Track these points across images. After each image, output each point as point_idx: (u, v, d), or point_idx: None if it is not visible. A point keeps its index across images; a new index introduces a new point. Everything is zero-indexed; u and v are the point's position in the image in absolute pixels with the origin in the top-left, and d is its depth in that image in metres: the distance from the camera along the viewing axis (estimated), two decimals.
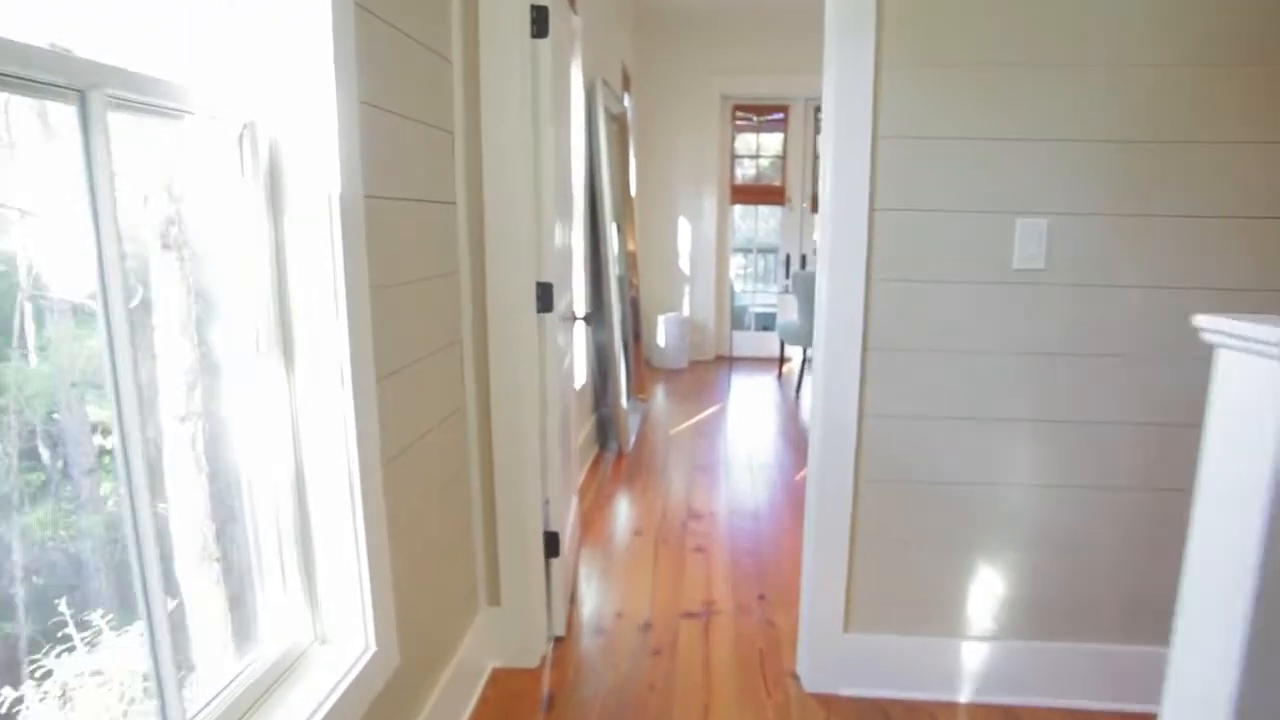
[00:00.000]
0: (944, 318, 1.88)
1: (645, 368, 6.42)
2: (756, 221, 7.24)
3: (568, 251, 2.67)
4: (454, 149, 1.87)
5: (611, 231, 4.52)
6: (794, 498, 3.58)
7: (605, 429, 4.45)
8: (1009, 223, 1.83)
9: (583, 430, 3.93)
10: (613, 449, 4.30)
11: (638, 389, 5.30)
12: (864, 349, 1.90)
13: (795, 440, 4.55)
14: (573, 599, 2.63)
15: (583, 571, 2.83)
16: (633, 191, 6.02)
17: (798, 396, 5.66)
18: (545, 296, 2.10)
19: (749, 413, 5.19)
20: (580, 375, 3.92)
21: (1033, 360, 1.88)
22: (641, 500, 3.55)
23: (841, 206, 1.85)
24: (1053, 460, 1.92)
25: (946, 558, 1.99)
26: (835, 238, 1.86)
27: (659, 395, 5.68)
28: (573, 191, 3.06)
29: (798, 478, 3.87)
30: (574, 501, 2.85)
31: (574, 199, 3.60)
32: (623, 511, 3.42)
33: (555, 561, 2.28)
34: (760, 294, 7.31)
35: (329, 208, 1.26)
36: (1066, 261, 1.83)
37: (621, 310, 5.02)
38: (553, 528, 2.26)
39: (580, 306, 3.89)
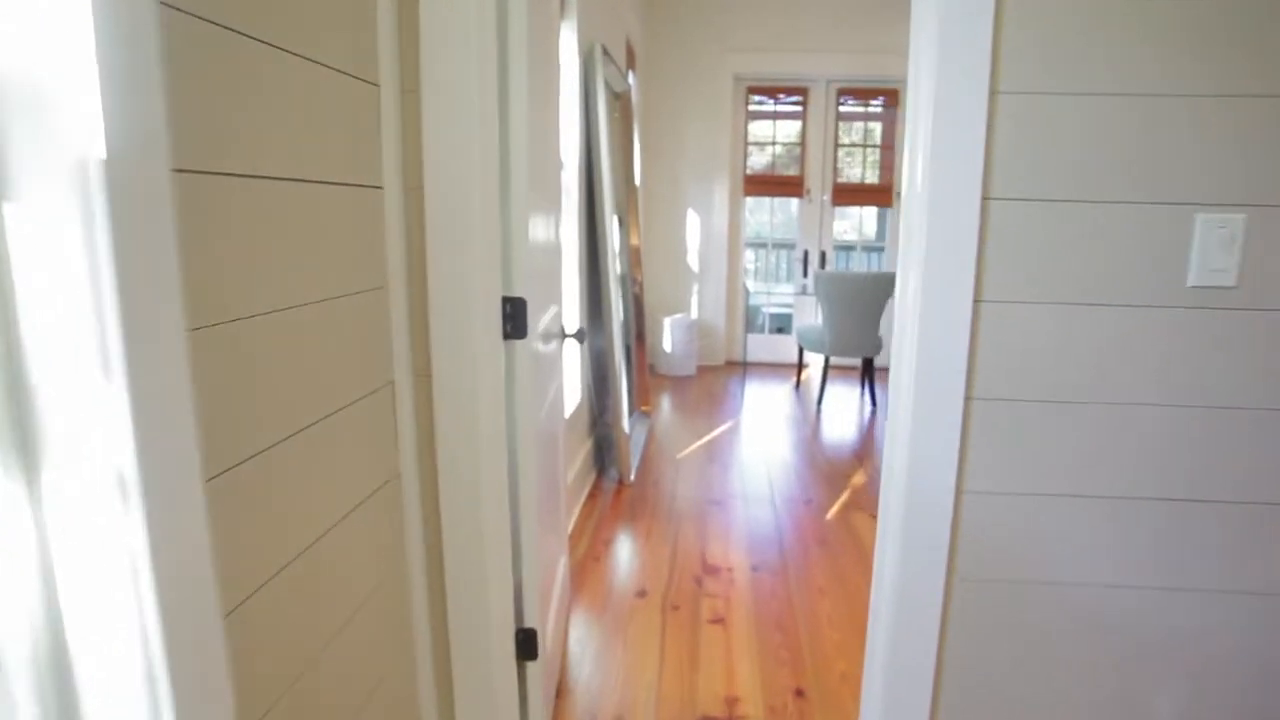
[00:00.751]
0: (1082, 355, 1.31)
1: (649, 375, 5.85)
2: (771, 215, 6.66)
3: (553, 252, 2.10)
4: (379, 107, 1.30)
5: (612, 225, 3.95)
6: (826, 544, 3.01)
7: (604, 451, 3.89)
8: (1185, 219, 1.26)
9: (577, 458, 3.37)
10: (613, 476, 3.73)
11: (641, 400, 4.74)
12: (966, 399, 1.33)
13: (820, 466, 3.98)
14: (559, 691, 2.07)
15: (573, 649, 2.27)
16: (637, 180, 5.44)
17: (819, 411, 5.09)
18: (516, 316, 1.53)
19: (766, 431, 4.62)
20: (574, 393, 3.36)
21: (1214, 417, 1.31)
22: (646, 547, 2.98)
23: (941, 194, 1.27)
24: (1245, 558, 1.35)
25: (1078, 686, 1.42)
26: (932, 238, 1.29)
27: (664, 407, 5.12)
28: (561, 174, 2.50)
29: (829, 516, 3.30)
30: (562, 563, 2.29)
31: (563, 184, 3.04)
32: (623, 562, 2.86)
33: (533, 665, 1.72)
34: (773, 294, 6.73)
35: (84, 186, 0.69)
36: (1271, 277, 1.26)
37: (624, 312, 4.46)
38: (529, 623, 1.69)
39: (573, 319, 3.32)
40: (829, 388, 5.50)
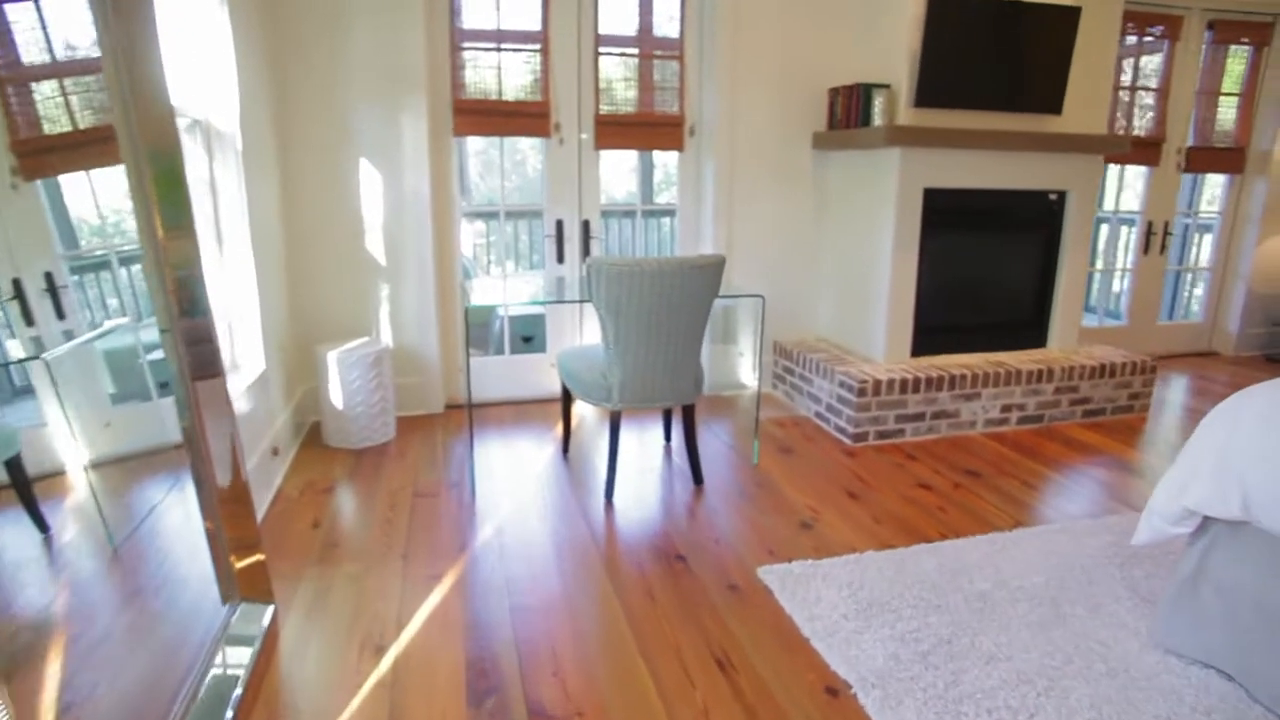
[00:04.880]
0: None
1: (307, 459, 3.25)
2: (503, 167, 4.29)
3: None
4: None
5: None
6: None
7: None
8: None
9: None
10: None
11: (240, 551, 2.20)
12: None
13: (649, 705, 1.77)
14: None
15: None
16: (235, 110, 2.77)
17: (610, 507, 2.90)
18: None
19: (526, 586, 2.31)
20: None
21: None
22: None
23: None
24: None
25: None
26: None
27: (322, 542, 2.59)
28: None
29: None
30: None
31: None
32: None
33: None
34: (513, 287, 4.39)
35: None
36: None
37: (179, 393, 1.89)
38: None
39: None
40: (622, 457, 3.33)
